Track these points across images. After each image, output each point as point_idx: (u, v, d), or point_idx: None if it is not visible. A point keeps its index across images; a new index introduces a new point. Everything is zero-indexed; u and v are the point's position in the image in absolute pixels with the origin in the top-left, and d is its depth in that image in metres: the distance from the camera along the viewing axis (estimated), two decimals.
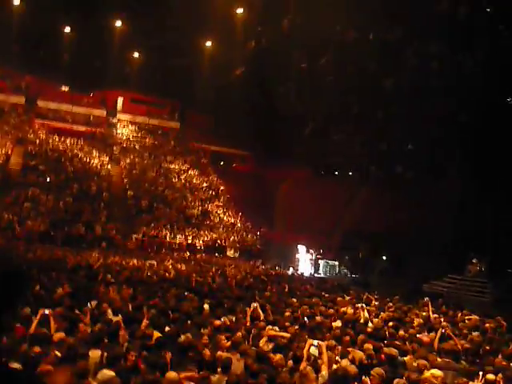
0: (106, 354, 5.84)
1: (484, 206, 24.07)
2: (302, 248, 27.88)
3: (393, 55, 24.45)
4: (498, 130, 20.72)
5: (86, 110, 41.59)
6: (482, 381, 6.11)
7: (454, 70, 22.68)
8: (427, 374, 5.95)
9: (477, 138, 21.72)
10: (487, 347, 8.54)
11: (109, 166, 35.07)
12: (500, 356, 7.91)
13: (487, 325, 10.84)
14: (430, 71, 23.51)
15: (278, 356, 6.62)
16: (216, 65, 36.36)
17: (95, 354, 5.94)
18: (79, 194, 29.73)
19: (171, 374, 5.13)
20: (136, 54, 42.18)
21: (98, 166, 34.49)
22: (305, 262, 27.28)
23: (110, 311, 8.76)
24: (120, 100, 43.97)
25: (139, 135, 42.50)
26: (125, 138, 41.26)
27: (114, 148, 38.18)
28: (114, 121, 43.05)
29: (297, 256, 27.89)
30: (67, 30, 39.14)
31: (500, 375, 6.29)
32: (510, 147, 20.21)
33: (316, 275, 25.53)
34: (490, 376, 6.24)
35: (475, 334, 9.59)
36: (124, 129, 42.67)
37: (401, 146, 27.47)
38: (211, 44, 37.60)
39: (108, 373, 5.34)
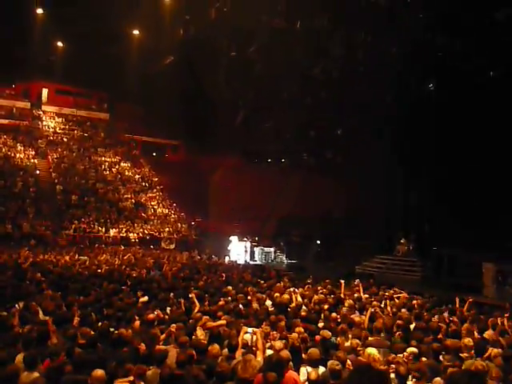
0: (31, 355, 5.65)
1: (410, 189, 25.05)
2: (237, 236, 28.04)
3: (320, 43, 24.80)
4: (421, 118, 21.50)
5: (8, 102, 39.81)
6: (408, 355, 6.39)
7: (379, 58, 23.29)
8: (365, 354, 6.15)
9: (401, 125, 22.47)
10: (415, 323, 8.93)
11: (35, 161, 33.80)
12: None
13: (414, 302, 11.34)
14: (356, 59, 24.04)
15: (215, 346, 6.64)
16: (144, 54, 35.59)
17: (19, 357, 5.75)
18: (4, 191, 28.49)
19: (97, 372, 5.04)
20: (60, 43, 40.59)
21: (24, 161, 33.17)
22: (240, 250, 27.45)
23: (40, 311, 8.49)
24: (45, 91, 42.39)
25: (67, 127, 41.19)
26: (51, 130, 39.86)
27: (40, 141, 36.81)
28: (39, 113, 41.46)
29: (232, 244, 28.02)
30: None
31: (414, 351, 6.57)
32: (434, 135, 21.03)
33: (252, 262, 25.74)
34: (413, 349, 6.54)
35: (403, 311, 10.02)
36: (50, 121, 41.19)
37: (330, 131, 27.97)
38: (139, 32, 36.73)
39: (31, 375, 5.19)
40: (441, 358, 6.75)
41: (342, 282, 13.14)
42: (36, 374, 5.14)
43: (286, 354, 6.15)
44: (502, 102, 17.97)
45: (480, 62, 19.00)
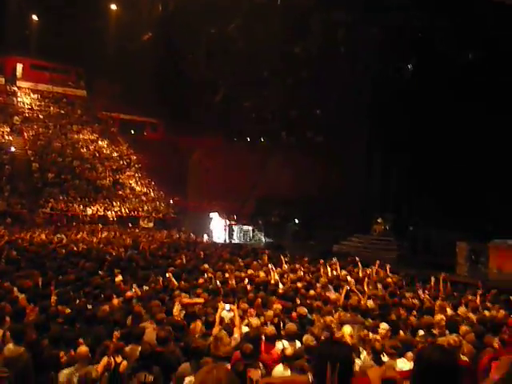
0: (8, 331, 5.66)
1: (388, 169, 25.29)
2: (215, 215, 28.09)
3: (301, 20, 24.65)
4: (400, 97, 21.63)
5: None
6: (382, 331, 6.55)
7: (360, 37, 23.26)
8: (341, 333, 6.29)
9: (382, 104, 22.58)
10: (390, 301, 9.11)
11: (10, 138, 33.20)
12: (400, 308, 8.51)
13: (389, 279, 11.55)
14: (337, 38, 23.98)
15: (193, 324, 6.71)
16: (122, 29, 35.00)
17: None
18: None
19: (82, 349, 5.08)
20: (35, 17, 39.65)
21: None
22: (219, 228, 27.53)
23: (15, 289, 8.44)
24: (19, 66, 41.43)
25: (43, 104, 40.47)
26: (27, 107, 39.10)
27: (16, 118, 36.11)
28: (14, 89, 40.58)
29: (211, 223, 28.09)
30: None
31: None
32: (414, 112, 21.18)
33: (231, 241, 25.85)
34: (386, 325, 6.69)
35: (379, 288, 10.21)
36: (25, 97, 40.39)
37: (310, 111, 27.98)
38: (116, 7, 36.06)
39: (16, 348, 5.18)
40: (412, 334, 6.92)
41: (322, 260, 13.32)
42: (20, 348, 5.13)
43: (270, 330, 6.25)
44: (480, 85, 18.16)
45: (460, 43, 19.13)
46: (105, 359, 5.19)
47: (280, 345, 6.10)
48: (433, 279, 11.41)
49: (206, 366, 1.93)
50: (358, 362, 5.73)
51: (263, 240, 27.71)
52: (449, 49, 19.28)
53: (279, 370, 5.24)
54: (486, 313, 8.28)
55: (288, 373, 5.10)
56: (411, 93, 21.24)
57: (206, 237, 25.64)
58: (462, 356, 5.47)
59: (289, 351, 5.37)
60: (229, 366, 4.73)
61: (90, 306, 7.55)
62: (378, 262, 14.01)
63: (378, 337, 6.31)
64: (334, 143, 26.30)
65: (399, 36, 21.41)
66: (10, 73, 40.90)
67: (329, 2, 23.27)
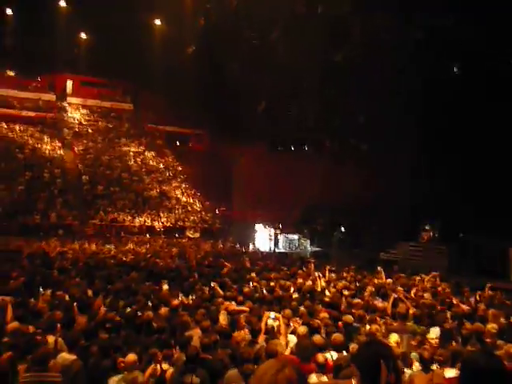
0: (61, 339, 5.83)
1: (435, 175, 24.74)
2: (261, 224, 28.15)
3: (342, 29, 24.55)
4: (445, 103, 21.19)
5: (34, 94, 40.43)
6: (431, 340, 6.39)
7: (402, 43, 22.98)
8: (388, 340, 6.18)
9: (425, 111, 22.17)
10: (439, 308, 8.89)
11: (61, 152, 34.33)
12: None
13: (439, 288, 11.27)
14: (379, 45, 23.75)
15: (241, 332, 6.73)
16: (167, 43, 35.73)
17: (50, 339, 5.92)
18: (32, 182, 29.06)
19: (130, 357, 5.18)
20: (83, 35, 41.00)
21: (50, 152, 33.73)
22: (265, 238, 27.56)
23: (67, 297, 8.69)
24: (69, 83, 42.92)
25: (91, 119, 41.68)
26: (77, 122, 40.38)
27: (66, 133, 37.35)
28: (65, 105, 42.01)
29: (257, 233, 28.16)
30: (9, 11, 37.68)
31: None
32: (458, 121, 20.71)
33: (276, 250, 25.82)
34: (435, 334, 6.54)
35: (427, 296, 9.98)
36: (75, 113, 41.73)
37: (354, 118, 27.73)
38: (160, 22, 36.89)
39: (69, 356, 5.34)
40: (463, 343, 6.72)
41: (380, 268, 13.12)
42: (73, 357, 5.29)
43: (318, 339, 6.19)
44: None
45: (502, 47, 18.61)
46: (152, 366, 5.28)
47: (328, 355, 6.02)
48: (487, 288, 11.08)
49: (269, 367, 1.78)
50: (406, 370, 5.62)
51: (309, 248, 27.55)
52: (491, 50, 18.77)
53: (313, 379, 5.15)
54: None
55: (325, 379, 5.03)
56: (456, 95, 20.77)
57: (251, 246, 25.72)
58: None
59: (320, 359, 5.31)
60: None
61: (138, 315, 7.68)
62: (429, 270, 13.74)
63: (428, 346, 6.17)
64: (379, 149, 25.96)
65: (440, 37, 21.00)
66: (60, 90, 42.38)
67: (368, 7, 23.10)
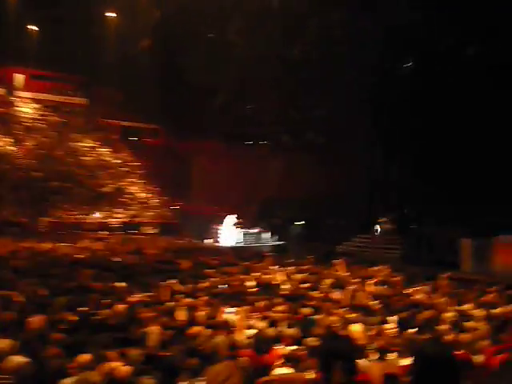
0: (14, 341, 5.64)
1: (389, 169, 25.27)
2: (218, 219, 28.06)
3: (299, 22, 24.67)
4: (400, 95, 21.59)
5: None
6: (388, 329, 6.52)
7: (357, 37, 23.25)
8: (348, 331, 6.26)
9: (381, 104, 22.55)
10: (395, 298, 9.07)
11: (12, 148, 33.28)
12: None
13: (395, 278, 11.50)
14: (334, 39, 24.00)
15: (197, 327, 6.68)
16: (121, 37, 35.12)
17: (3, 342, 5.72)
18: None
19: (84, 357, 5.06)
20: (34, 27, 39.75)
21: (1, 148, 32.64)
22: (223, 232, 27.49)
23: (21, 298, 8.43)
24: (20, 77, 41.52)
25: (44, 113, 40.52)
26: (28, 116, 39.17)
27: (17, 128, 36.21)
28: (15, 99, 40.67)
29: (215, 227, 28.06)
30: None
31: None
32: (412, 112, 21.12)
33: (234, 245, 25.78)
34: (392, 324, 6.67)
35: (384, 287, 10.18)
36: (26, 107, 40.47)
37: (310, 112, 27.93)
38: (115, 14, 36.17)
39: (19, 359, 5.17)
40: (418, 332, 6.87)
41: (340, 261, 13.30)
42: (24, 359, 5.12)
43: (275, 331, 6.24)
44: (476, 77, 18.11)
45: (456, 38, 19.11)
46: (107, 365, 5.17)
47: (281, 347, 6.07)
48: (440, 277, 11.38)
49: (218, 373, 1.83)
50: (363, 360, 5.71)
51: (268, 242, 27.63)
52: (445, 42, 19.25)
53: (279, 371, 5.18)
54: (498, 310, 8.20)
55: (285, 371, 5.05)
56: (411, 91, 21.22)
57: (209, 241, 25.61)
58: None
59: (288, 352, 5.34)
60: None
61: (93, 313, 7.52)
62: (384, 262, 14.04)
63: (384, 335, 6.28)
64: (336, 144, 26.27)
65: (397, 32, 21.39)
66: (10, 83, 41.01)
67: (325, 3, 23.29)
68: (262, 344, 5.74)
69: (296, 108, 28.65)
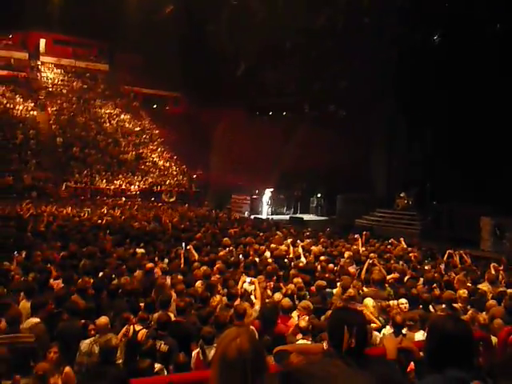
0: (27, 302, 5.80)
1: (411, 144, 24.92)
2: (239, 189, 28.15)
3: None
4: (424, 70, 21.13)
5: (5, 52, 39.16)
6: (402, 304, 6.54)
7: (383, 8, 22.72)
8: (363, 305, 6.29)
9: (405, 78, 22.10)
10: (411, 274, 9.06)
11: (35, 113, 33.56)
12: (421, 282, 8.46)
13: (411, 254, 11.45)
14: (360, 9, 23.46)
15: (214, 296, 6.76)
16: (144, 2, 34.81)
17: (26, 304, 5.89)
18: (4, 143, 28.42)
19: (101, 320, 5.17)
20: None
21: (23, 113, 32.93)
22: (242, 203, 27.60)
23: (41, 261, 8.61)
24: (42, 42, 41.62)
25: (66, 79, 40.69)
26: (50, 82, 39.38)
27: (40, 93, 36.44)
28: (38, 64, 40.84)
29: (233, 197, 28.18)
30: None
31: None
32: (436, 88, 20.70)
33: (254, 215, 25.90)
34: (404, 300, 6.69)
35: (400, 263, 10.15)
36: (49, 72, 40.64)
37: (333, 84, 27.53)
38: None
39: (33, 320, 5.32)
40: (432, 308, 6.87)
41: (358, 236, 13.33)
42: (37, 320, 5.26)
43: (286, 301, 6.29)
44: (505, 55, 17.62)
45: (486, 13, 18.53)
46: (125, 327, 5.29)
47: (295, 314, 6.14)
48: (453, 253, 11.31)
49: (228, 333, 1.83)
50: (379, 334, 5.75)
51: (286, 214, 27.69)
52: (475, 16, 18.69)
53: (295, 341, 5.24)
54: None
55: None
56: (436, 65, 20.74)
57: (228, 211, 25.74)
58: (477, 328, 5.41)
59: (303, 323, 5.38)
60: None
61: (112, 278, 7.65)
62: (400, 236, 13.98)
63: (399, 310, 6.30)
64: (358, 117, 25.94)
65: (425, 4, 20.82)
66: (33, 48, 41.11)
67: None
68: (267, 314, 5.79)
69: (318, 79, 28.26)
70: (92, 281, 7.21)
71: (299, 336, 5.35)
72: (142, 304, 6.21)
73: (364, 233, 14.00)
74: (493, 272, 9.12)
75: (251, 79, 30.38)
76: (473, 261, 11.47)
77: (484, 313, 6.06)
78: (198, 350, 5.01)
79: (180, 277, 7.70)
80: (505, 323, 5.56)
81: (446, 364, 2.19)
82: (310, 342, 5.12)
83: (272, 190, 26.93)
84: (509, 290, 7.79)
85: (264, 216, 25.49)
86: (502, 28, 19.34)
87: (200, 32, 30.77)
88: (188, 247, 10.05)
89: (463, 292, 7.15)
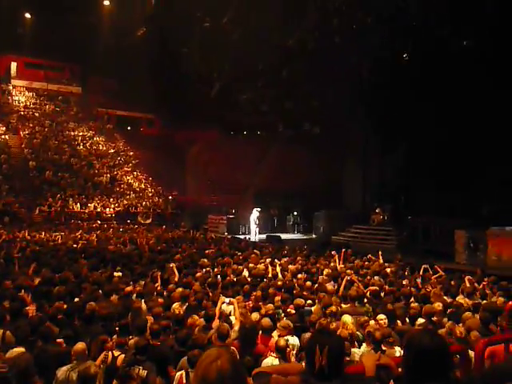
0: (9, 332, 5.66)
1: (385, 160, 25.28)
2: (215, 209, 28.07)
3: (295, 12, 24.50)
4: (396, 87, 21.51)
5: None
6: (380, 320, 6.57)
7: (354, 27, 23.13)
8: (340, 321, 6.31)
9: (377, 95, 22.47)
10: (388, 289, 9.12)
11: (7, 137, 33.11)
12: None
13: (388, 269, 11.55)
14: (331, 29, 23.85)
15: (194, 317, 6.70)
16: (116, 25, 34.82)
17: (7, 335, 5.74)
18: None
19: (78, 346, 5.07)
20: (28, 15, 39.39)
21: None
22: (218, 222, 27.51)
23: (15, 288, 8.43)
24: (14, 65, 41.24)
25: (38, 102, 40.31)
26: (22, 105, 38.96)
27: (11, 117, 36.01)
28: (9, 87, 40.42)
29: (210, 217, 28.08)
30: None
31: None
32: (409, 104, 21.08)
33: (230, 235, 25.80)
34: (382, 315, 6.72)
35: (376, 278, 10.23)
36: (21, 96, 40.22)
37: (307, 102, 27.82)
38: (109, 2, 35.82)
39: (17, 349, 5.19)
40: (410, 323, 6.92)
41: (335, 253, 13.38)
42: (21, 349, 5.14)
43: (266, 321, 6.25)
44: (473, 69, 18.06)
45: (454, 30, 19.02)
46: (103, 353, 5.20)
47: (275, 334, 6.11)
48: (428, 268, 11.45)
49: (208, 354, 1.80)
50: (357, 351, 5.76)
51: (262, 233, 27.65)
52: (443, 34, 19.16)
53: (268, 361, 5.20)
54: (489, 301, 8.24)
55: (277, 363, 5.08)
56: (409, 81, 21.13)
57: (205, 231, 25.61)
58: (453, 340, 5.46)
59: (282, 343, 5.35)
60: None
61: (88, 303, 7.52)
62: (376, 252, 14.10)
63: (377, 326, 6.33)
64: (332, 134, 26.24)
65: (394, 22, 21.27)
66: (4, 72, 40.72)
67: None
68: (257, 334, 5.77)
69: (292, 98, 28.52)
70: (65, 306, 7.08)
71: (274, 356, 5.30)
72: (117, 328, 6.12)
73: (343, 250, 14.05)
74: (468, 284, 9.24)
75: (225, 99, 30.51)
76: (448, 274, 11.60)
77: (461, 325, 6.13)
78: (181, 372, 4.94)
79: (157, 299, 7.63)
80: (481, 335, 5.63)
81: (423, 379, 2.20)
82: (277, 361, 5.10)
83: (260, 209, 26.72)
84: (483, 302, 7.90)
85: (253, 236, 25.33)
86: (468, 44, 19.85)
87: (173, 53, 30.89)
88: (171, 264, 10.00)
89: (438, 305, 7.24)
